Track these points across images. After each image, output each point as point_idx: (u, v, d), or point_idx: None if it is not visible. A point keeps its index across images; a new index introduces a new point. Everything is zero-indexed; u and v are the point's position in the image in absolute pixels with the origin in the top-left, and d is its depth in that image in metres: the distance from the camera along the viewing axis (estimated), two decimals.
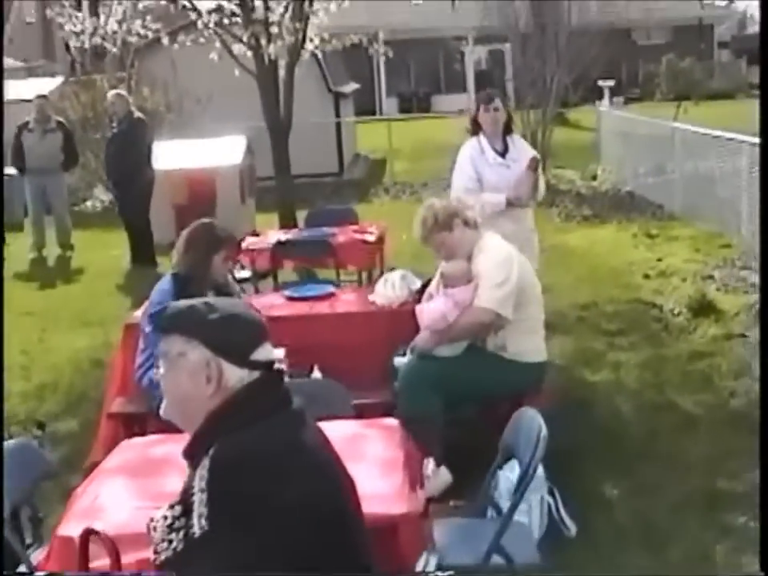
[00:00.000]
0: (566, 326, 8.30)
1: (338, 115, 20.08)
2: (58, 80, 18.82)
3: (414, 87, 36.53)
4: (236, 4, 10.88)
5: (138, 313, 6.13)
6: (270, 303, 6.34)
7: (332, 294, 6.49)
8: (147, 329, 5.52)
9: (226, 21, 10.89)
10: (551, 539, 4.72)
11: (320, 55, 19.04)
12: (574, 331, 8.19)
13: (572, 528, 4.86)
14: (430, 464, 5.15)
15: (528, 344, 5.46)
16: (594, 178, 17.21)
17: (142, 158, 12.06)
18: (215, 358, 2.54)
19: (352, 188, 18.28)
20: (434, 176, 18.17)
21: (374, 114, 33.36)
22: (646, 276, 9.83)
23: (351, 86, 22.71)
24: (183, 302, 2.65)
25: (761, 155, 6.76)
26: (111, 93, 12.65)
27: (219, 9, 11.10)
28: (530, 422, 3.83)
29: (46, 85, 18.55)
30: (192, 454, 2.55)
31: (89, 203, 17.76)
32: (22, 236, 13.98)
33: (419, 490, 3.58)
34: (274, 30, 10.62)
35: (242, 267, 8.78)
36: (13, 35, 26.46)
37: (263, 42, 10.96)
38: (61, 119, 13.36)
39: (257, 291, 8.39)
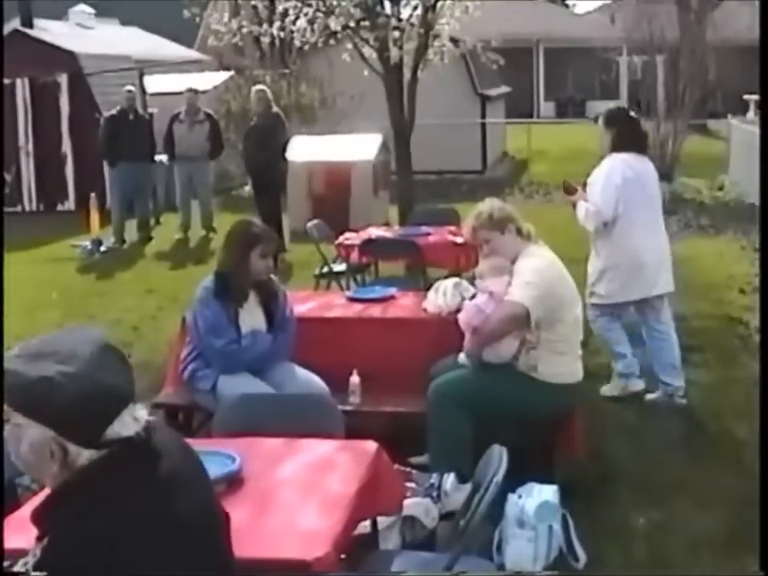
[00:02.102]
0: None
1: (483, 116, 19.52)
2: (226, 74, 18.77)
3: (571, 92, 35.50)
4: (363, 9, 10.45)
5: None
6: (328, 303, 5.95)
7: (392, 298, 6.02)
8: (192, 324, 5.20)
9: (352, 24, 10.46)
10: (561, 569, 4.17)
11: (467, 57, 18.69)
12: None
13: (582, 559, 4.29)
14: (449, 479, 4.66)
15: (560, 365, 4.88)
16: (721, 188, 16.15)
17: (277, 151, 11.81)
18: (58, 438, 2.06)
19: (489, 186, 17.64)
20: (569, 178, 17.44)
21: (531, 116, 32.53)
22: (742, 291, 8.98)
23: (501, 90, 22.06)
24: (29, 376, 2.05)
25: (761, 155, 6.12)
26: (254, 88, 12.45)
27: (349, 13, 10.69)
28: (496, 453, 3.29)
29: (216, 78, 18.58)
30: (36, 524, 2.11)
31: (246, 188, 17.65)
32: (174, 217, 13.94)
33: (361, 525, 3.10)
34: (396, 34, 10.12)
35: (341, 261, 8.42)
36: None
37: (391, 44, 10.50)
38: (209, 111, 13.23)
39: (348, 287, 8.03)
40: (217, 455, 3.34)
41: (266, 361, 5.14)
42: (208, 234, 13.44)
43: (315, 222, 8.95)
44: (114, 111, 13.06)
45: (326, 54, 16.17)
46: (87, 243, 12.53)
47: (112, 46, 17.12)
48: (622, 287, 6.21)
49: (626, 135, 6.20)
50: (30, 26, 17.33)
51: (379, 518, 4.03)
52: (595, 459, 5.16)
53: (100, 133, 13.05)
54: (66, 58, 15.38)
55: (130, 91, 12.95)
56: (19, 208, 15.99)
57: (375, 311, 5.71)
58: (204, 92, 17.76)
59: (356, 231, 8.86)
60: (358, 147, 13.73)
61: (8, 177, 15.93)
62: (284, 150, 12.15)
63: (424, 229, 8.50)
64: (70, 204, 15.64)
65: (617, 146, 6.19)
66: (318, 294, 6.71)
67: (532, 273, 4.80)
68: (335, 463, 3.36)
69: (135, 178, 13.00)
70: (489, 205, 5.06)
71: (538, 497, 4.30)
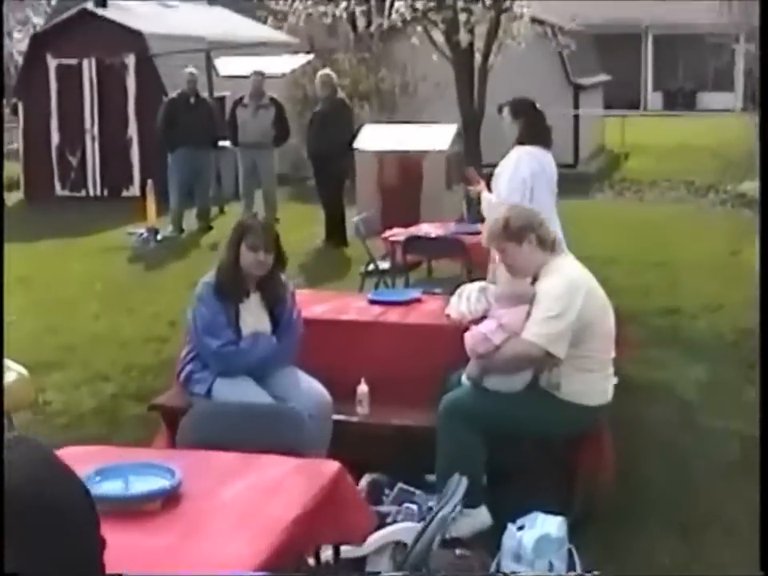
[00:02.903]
0: (713, 351, 7.30)
1: (575, 107, 19.11)
2: (306, 57, 18.71)
3: (681, 83, 34.64)
4: None
5: None
6: (345, 305, 5.80)
7: (417, 301, 5.83)
8: (191, 322, 5.09)
9: (419, 6, 10.29)
10: None
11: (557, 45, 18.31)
12: (720, 359, 7.18)
13: None
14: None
15: (586, 384, 4.63)
16: None
17: (340, 139, 11.72)
18: None
19: (578, 182, 17.24)
20: (666, 176, 16.99)
21: (637, 107, 31.87)
22: None
23: (598, 78, 21.58)
24: None
25: (761, 155, 5.97)
26: (319, 72, 12.37)
27: None
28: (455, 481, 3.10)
29: (296, 61, 18.55)
30: None
31: None
32: (235, 206, 13.95)
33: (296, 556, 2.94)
34: (465, 16, 9.91)
35: (388, 258, 8.27)
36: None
37: (461, 27, 10.30)
38: (274, 96, 13.17)
39: (385, 285, 7.89)
40: (157, 469, 3.21)
41: (268, 365, 5.00)
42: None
43: (363, 215, 8.82)
44: (173, 94, 13.12)
45: (408, 38, 16.07)
46: (143, 231, 12.60)
47: (184, 27, 17.20)
48: None
49: (534, 128, 6.33)
50: (104, 5, 17.55)
51: (370, 540, 3.89)
52: (624, 484, 4.89)
53: (158, 117, 13.10)
54: (134, 38, 15.52)
55: (191, 73, 12.97)
56: (83, 193, 16.21)
57: (393, 315, 5.53)
58: (281, 75, 17.86)
59: (406, 226, 8.69)
60: (432, 137, 13.50)
61: (73, 161, 16.16)
62: (350, 138, 12.05)
63: (480, 226, 8.26)
64: (134, 190, 15.76)
65: (524, 138, 6.30)
66: (337, 294, 6.55)
67: (555, 302, 4.54)
68: (283, 485, 3.20)
69: (195, 165, 13.04)
70: (507, 211, 4.87)
71: (540, 528, 4.09)
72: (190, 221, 13.41)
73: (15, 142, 17.64)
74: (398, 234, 8.16)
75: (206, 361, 5.02)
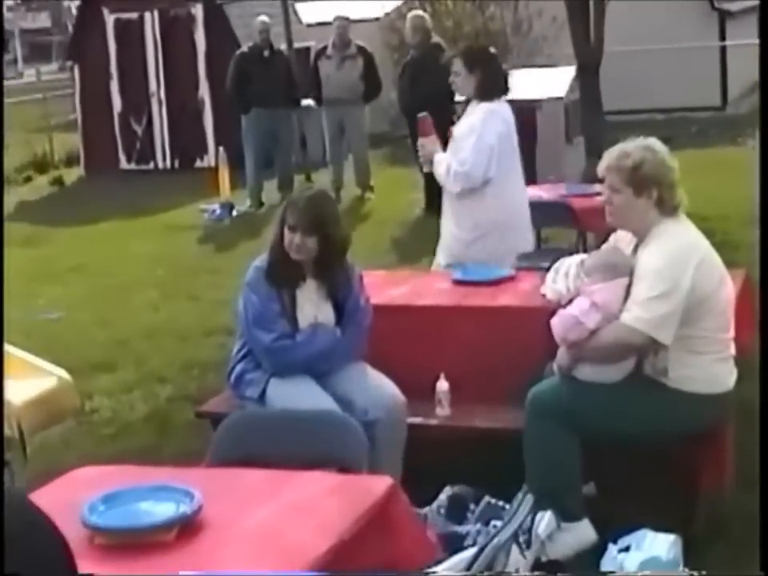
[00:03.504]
0: None
1: (721, 38, 18.61)
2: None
3: None
4: None
5: None
6: (425, 287, 5.70)
7: (510, 279, 5.70)
8: (242, 313, 5.06)
9: None
10: None
11: None
12: None
13: None
14: (545, 518, 4.34)
15: (700, 369, 4.46)
16: None
17: (437, 90, 11.52)
18: None
19: (726, 126, 16.82)
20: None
21: None
22: None
23: (749, 3, 20.94)
24: None
25: (760, 156, 5.68)
26: (410, 14, 12.25)
27: None
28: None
29: (390, 2, 18.47)
30: None
31: None
32: (324, 173, 13.94)
33: None
34: None
35: None
36: None
37: None
38: (362, 44, 13.07)
39: None
40: (174, 493, 3.17)
41: (330, 361, 4.94)
42: (364, 193, 13.38)
43: None
44: (244, 48, 13.14)
45: None
46: (215, 207, 12.69)
47: None
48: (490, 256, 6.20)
49: (493, 80, 6.30)
50: None
51: None
52: (750, 492, 4.69)
53: (228, 74, 13.13)
54: None
55: (263, 22, 12.95)
56: (151, 165, 16.42)
57: (480, 298, 5.42)
58: (375, 20, 17.80)
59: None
60: (547, 82, 13.28)
61: (138, 129, 16.36)
62: (449, 88, 11.88)
63: (598, 187, 8.07)
64: (209, 159, 15.86)
65: (483, 93, 6.29)
66: (418, 274, 6.46)
67: (661, 277, 4.36)
68: (319, 508, 3.13)
69: (272, 128, 13.04)
70: (644, 150, 4.61)
71: (647, 550, 3.95)
72: (272, 193, 13.44)
73: (73, 110, 17.91)
74: None
75: (258, 358, 4.98)
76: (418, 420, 4.94)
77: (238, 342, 5.16)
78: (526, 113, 12.90)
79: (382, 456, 4.77)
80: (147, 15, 15.87)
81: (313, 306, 4.98)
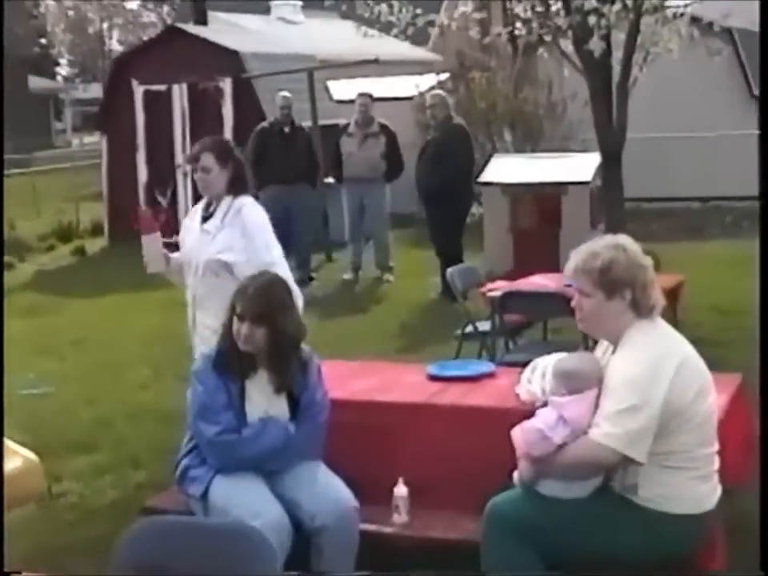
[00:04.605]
0: None
1: (764, 126, 18.23)
2: (440, 77, 18.44)
3: None
4: None
5: None
6: (394, 381, 5.37)
7: (489, 376, 5.35)
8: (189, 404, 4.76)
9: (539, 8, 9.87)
10: None
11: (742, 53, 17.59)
12: None
13: None
14: None
15: (674, 488, 4.08)
16: None
17: (456, 173, 11.30)
18: None
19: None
20: None
21: None
22: None
23: None
24: None
25: (760, 155, 5.52)
26: (430, 93, 12.02)
27: None
28: None
29: (426, 81, 18.32)
30: None
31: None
32: (346, 253, 13.66)
33: None
34: (593, 20, 9.41)
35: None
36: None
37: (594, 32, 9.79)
38: (385, 122, 12.84)
39: (492, 351, 7.42)
40: None
41: (281, 459, 4.63)
42: (383, 274, 13.08)
43: (461, 266, 8.43)
44: (264, 123, 12.95)
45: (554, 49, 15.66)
46: None
47: (290, 44, 17.18)
48: None
49: (244, 174, 5.86)
50: (204, 22, 17.71)
51: None
52: None
53: (247, 150, 12.92)
54: (230, 59, 15.52)
55: (284, 97, 12.75)
56: (174, 239, 16.15)
57: (450, 395, 5.06)
58: (408, 98, 17.63)
59: (516, 278, 8.22)
60: (572, 168, 13.02)
61: (163, 200, 16.17)
62: (469, 171, 11.65)
63: None
64: None
65: (237, 189, 5.78)
66: (393, 366, 6.11)
67: (629, 389, 3.99)
68: None
69: (290, 205, 12.76)
70: (613, 250, 4.26)
71: None
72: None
73: (98, 181, 17.81)
74: (499, 287, 7.70)
75: (203, 452, 4.66)
76: (372, 527, 4.58)
77: (186, 435, 4.85)
78: (551, 198, 12.70)
79: (329, 563, 4.46)
80: (176, 88, 15.74)
81: (264, 399, 4.67)
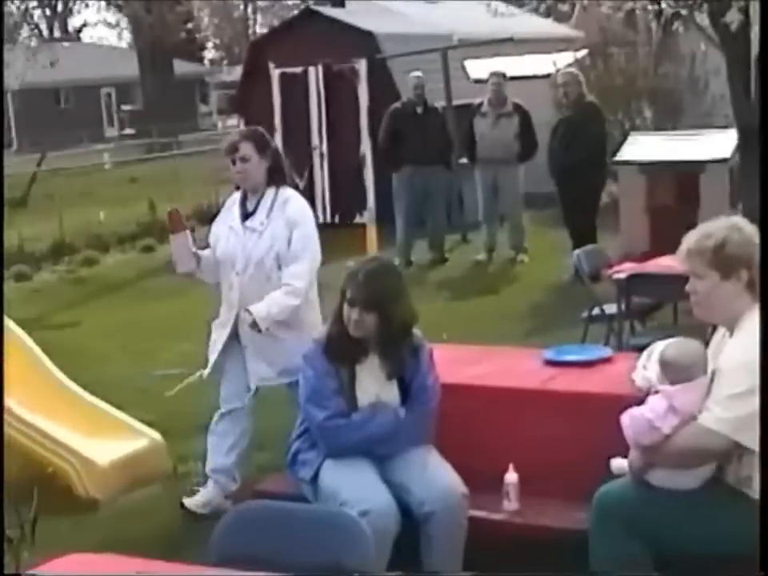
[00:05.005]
0: None
1: None
2: (577, 54, 18.17)
3: None
4: None
5: None
6: (508, 367, 5.32)
7: (606, 361, 5.26)
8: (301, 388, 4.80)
9: None
10: None
11: None
12: None
13: None
14: None
15: None
16: None
17: (589, 152, 11.18)
18: None
19: None
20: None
21: None
22: None
23: None
24: None
25: (761, 156, 5.58)
26: (562, 71, 11.88)
27: None
28: None
29: (563, 58, 18.10)
30: None
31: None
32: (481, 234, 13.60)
33: None
34: None
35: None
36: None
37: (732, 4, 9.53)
38: (519, 102, 12.72)
39: (618, 336, 7.32)
40: None
41: (391, 444, 4.63)
42: (516, 255, 13.00)
43: (588, 248, 8.32)
44: (397, 104, 12.97)
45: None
46: None
47: (426, 23, 17.12)
48: None
49: (283, 165, 5.83)
50: (341, 4, 17.77)
51: None
52: None
53: (381, 130, 12.99)
54: (365, 40, 15.53)
55: (418, 78, 12.76)
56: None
57: (564, 381, 4.99)
58: (546, 76, 17.44)
59: (652, 259, 8.03)
60: (710, 145, 12.71)
61: (300, 183, 16.29)
62: (602, 150, 11.50)
63: None
64: (371, 215, 15.71)
65: (277, 179, 5.77)
66: (512, 350, 6.05)
67: (744, 372, 3.89)
68: None
69: (424, 186, 12.81)
70: (727, 230, 4.15)
71: None
72: (422, 252, 13.19)
73: None
74: (625, 269, 7.57)
75: (314, 437, 4.69)
76: (481, 514, 4.55)
77: (299, 419, 4.89)
78: (689, 176, 12.43)
79: (437, 551, 4.45)
80: (311, 70, 15.86)
81: (375, 384, 4.67)
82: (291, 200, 5.65)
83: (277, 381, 5.79)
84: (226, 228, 5.71)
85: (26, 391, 6.72)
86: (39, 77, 42.20)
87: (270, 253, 5.56)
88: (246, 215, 5.67)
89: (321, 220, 16.26)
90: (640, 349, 5.53)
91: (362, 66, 15.66)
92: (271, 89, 16.20)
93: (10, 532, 4.06)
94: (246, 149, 5.59)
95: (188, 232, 5.72)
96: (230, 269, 5.67)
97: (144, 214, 17.29)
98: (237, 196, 5.79)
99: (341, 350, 4.62)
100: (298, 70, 15.92)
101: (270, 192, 5.64)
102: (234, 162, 5.62)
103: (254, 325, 5.50)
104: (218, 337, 5.91)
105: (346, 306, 4.57)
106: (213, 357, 5.96)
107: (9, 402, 6.56)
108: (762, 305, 4.51)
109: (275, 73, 16.13)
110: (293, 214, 5.60)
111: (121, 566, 3.28)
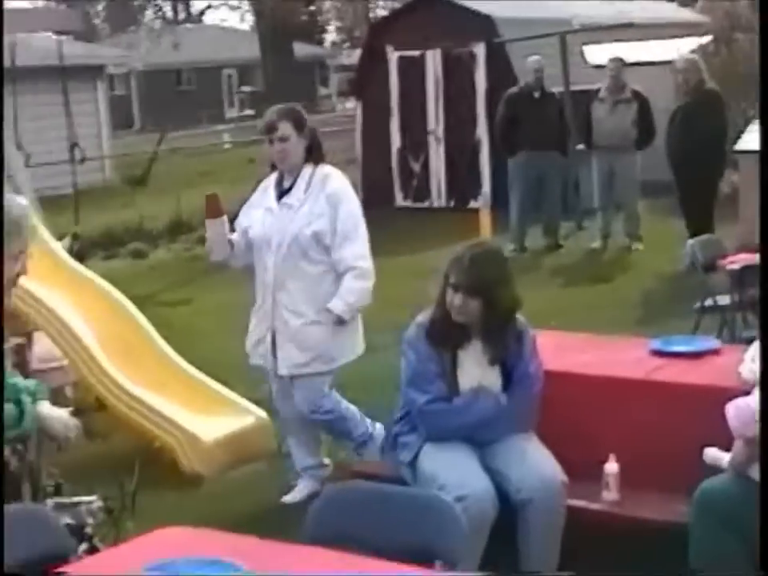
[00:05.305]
0: None
1: None
2: (704, 39, 17.87)
3: None
4: None
5: None
6: (614, 356, 5.28)
7: (714, 352, 5.19)
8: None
9: None
10: None
11: None
12: None
13: None
14: None
15: None
16: None
17: (709, 140, 10.99)
18: None
19: None
20: None
21: None
22: None
23: None
24: None
25: (761, 155, 5.86)
26: (683, 57, 11.70)
27: None
28: None
29: (687, 44, 17.82)
30: None
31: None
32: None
33: None
34: None
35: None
36: None
37: None
38: (637, 88, 12.57)
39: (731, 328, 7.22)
40: (218, 566, 2.95)
41: (492, 430, 4.62)
42: (631, 243, 12.85)
43: (703, 238, 8.21)
44: (514, 89, 12.92)
45: None
46: None
47: (547, 8, 16.98)
48: None
49: (320, 144, 5.66)
50: None
51: None
52: None
53: (497, 115, 12.95)
54: (483, 24, 15.45)
55: (536, 62, 12.69)
56: (426, 203, 16.36)
57: (669, 372, 4.93)
58: (668, 62, 17.19)
59: None
60: None
61: (415, 166, 16.36)
62: (722, 138, 11.32)
63: None
64: (487, 199, 15.67)
65: (316, 157, 5.63)
66: (619, 340, 5.98)
67: None
68: None
69: (540, 172, 12.75)
70: None
71: None
72: (537, 237, 13.12)
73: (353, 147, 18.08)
74: (739, 260, 7.45)
75: (414, 420, 4.71)
76: (580, 503, 4.53)
77: (400, 402, 4.91)
78: None
79: (535, 539, 4.43)
80: (429, 53, 15.86)
81: (477, 369, 4.66)
82: (331, 177, 5.58)
83: (308, 369, 5.63)
84: (262, 210, 5.65)
85: (136, 367, 6.86)
86: (162, 58, 42.98)
87: (307, 229, 5.48)
88: (281, 194, 5.61)
89: (435, 204, 16.32)
90: (752, 341, 5.47)
91: (480, 50, 15.60)
92: (389, 72, 16.23)
93: (110, 502, 4.15)
94: (285, 128, 5.51)
95: (225, 218, 5.65)
96: (266, 249, 5.60)
97: None
98: (272, 178, 5.71)
99: (443, 334, 4.62)
100: (417, 53, 15.94)
101: (308, 169, 5.56)
102: (271, 142, 5.53)
103: (339, 321, 5.50)
104: (256, 323, 5.79)
105: (449, 291, 4.57)
106: (248, 345, 5.86)
107: (119, 377, 6.71)
108: (762, 304, 4.46)
109: (394, 56, 16.17)
110: (334, 191, 5.53)
111: (214, 542, 3.33)
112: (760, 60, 5.11)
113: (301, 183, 5.54)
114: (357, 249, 5.52)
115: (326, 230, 5.47)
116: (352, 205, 5.59)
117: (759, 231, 4.08)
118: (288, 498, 5.92)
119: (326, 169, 5.60)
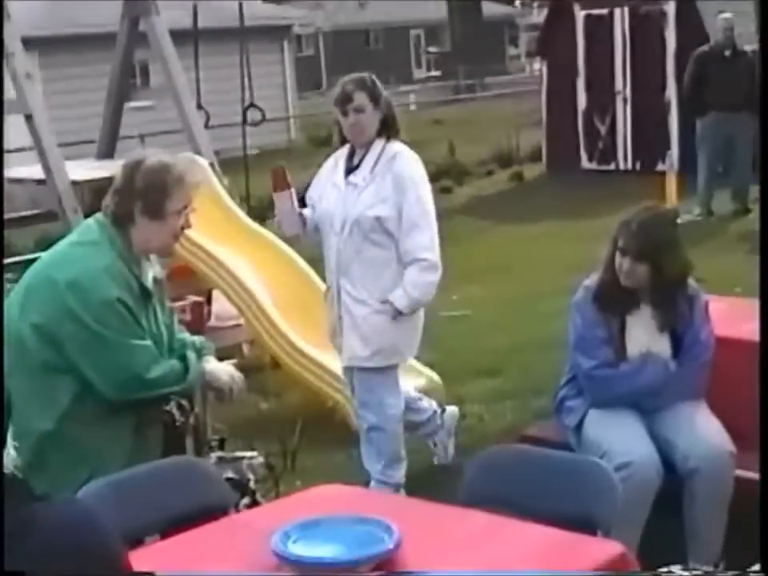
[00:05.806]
0: None
1: None
2: None
3: None
4: None
5: None
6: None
7: None
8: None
9: None
10: None
11: None
12: None
13: None
14: None
15: None
16: None
17: None
18: None
19: None
20: None
21: None
22: None
23: None
24: None
25: (761, 155, 5.61)
26: None
27: None
28: None
29: None
30: None
31: None
32: None
33: None
34: None
35: None
36: None
37: None
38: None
39: None
40: (374, 525, 3.01)
41: (659, 397, 4.57)
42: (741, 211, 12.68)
43: None
44: (704, 47, 12.65)
45: None
46: None
47: None
48: None
49: (395, 117, 5.33)
50: None
51: None
52: None
53: (686, 74, 12.71)
54: None
55: (726, 20, 12.39)
56: (612, 166, 16.17)
57: None
58: None
59: None
60: None
61: (601, 128, 16.17)
62: None
63: None
64: (673, 162, 15.39)
65: (390, 132, 5.32)
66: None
67: None
68: (529, 564, 2.86)
69: (730, 133, 12.47)
70: None
71: None
72: (725, 202, 12.86)
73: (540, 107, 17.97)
74: None
75: (580, 384, 4.70)
76: (748, 474, 4.44)
77: (567, 366, 4.91)
78: None
79: (700, 509, 4.39)
80: (617, 12, 15.60)
81: (646, 335, 4.62)
82: (400, 156, 5.23)
83: (369, 362, 5.30)
84: (330, 185, 5.35)
85: (311, 327, 6.96)
86: (350, 18, 43.39)
87: (369, 212, 5.15)
88: (350, 171, 5.31)
89: (621, 167, 16.11)
90: None
91: (670, 7, 15.26)
92: (576, 31, 16.05)
93: (272, 459, 4.28)
94: (360, 98, 5.18)
95: (292, 191, 5.35)
96: (329, 229, 5.29)
97: (444, 156, 17.52)
98: (344, 151, 5.39)
99: (611, 299, 4.59)
100: (604, 11, 15.71)
101: (378, 145, 5.24)
102: (345, 114, 5.19)
103: (396, 314, 5.20)
104: (328, 310, 5.52)
105: (618, 255, 4.53)
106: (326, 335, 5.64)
107: (293, 336, 6.86)
108: (762, 303, 4.27)
109: (580, 14, 15.97)
110: (401, 172, 5.18)
111: (370, 501, 3.41)
112: (760, 60, 4.90)
113: (369, 160, 5.24)
114: (424, 239, 5.16)
115: (390, 216, 5.14)
116: (421, 189, 5.24)
117: (759, 231, 3.97)
118: (437, 460, 5.98)
119: (396, 146, 5.25)
